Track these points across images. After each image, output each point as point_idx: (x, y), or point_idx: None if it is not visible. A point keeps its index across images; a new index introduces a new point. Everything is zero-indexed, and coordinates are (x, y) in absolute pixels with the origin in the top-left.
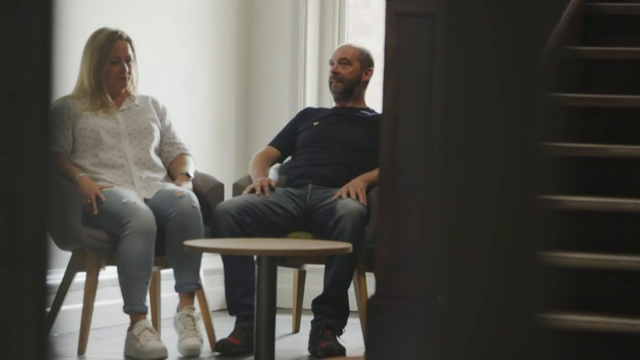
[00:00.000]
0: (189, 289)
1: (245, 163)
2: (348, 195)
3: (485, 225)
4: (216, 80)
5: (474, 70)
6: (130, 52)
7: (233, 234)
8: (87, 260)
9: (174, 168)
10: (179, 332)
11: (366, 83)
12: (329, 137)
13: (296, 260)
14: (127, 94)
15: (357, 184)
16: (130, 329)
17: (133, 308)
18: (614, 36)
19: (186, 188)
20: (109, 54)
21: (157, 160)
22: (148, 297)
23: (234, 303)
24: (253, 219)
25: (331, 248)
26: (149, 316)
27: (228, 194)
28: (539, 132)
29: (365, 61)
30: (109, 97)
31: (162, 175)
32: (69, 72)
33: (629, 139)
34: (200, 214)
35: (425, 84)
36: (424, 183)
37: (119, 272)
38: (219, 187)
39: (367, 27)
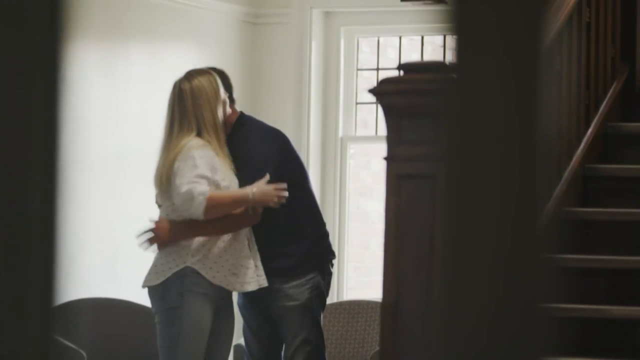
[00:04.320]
0: None
1: None
2: None
3: None
4: None
5: (474, 233)
6: None
7: None
8: None
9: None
10: None
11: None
12: None
13: None
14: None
15: (162, 225)
16: None
17: None
18: (614, 197)
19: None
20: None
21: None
22: None
23: None
24: None
25: None
26: None
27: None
28: (539, 295)
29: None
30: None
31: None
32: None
33: (630, 301)
34: None
35: (426, 245)
36: (425, 341)
37: None
38: None
39: (368, 189)
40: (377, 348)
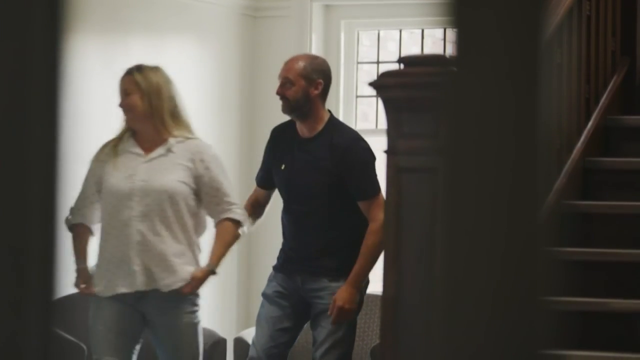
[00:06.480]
0: None
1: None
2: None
3: None
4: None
5: (474, 226)
6: (131, 85)
7: None
8: None
9: (214, 240)
10: None
11: (320, 95)
12: (298, 195)
13: None
14: (164, 139)
15: (345, 300)
16: None
17: None
18: (614, 190)
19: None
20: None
21: (172, 245)
22: None
23: None
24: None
25: None
26: None
27: (230, 347)
28: (539, 287)
29: (311, 75)
30: (134, 141)
31: (181, 253)
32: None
33: (630, 294)
34: None
35: (427, 238)
36: (426, 340)
37: None
38: (221, 344)
39: None
40: (378, 341)
